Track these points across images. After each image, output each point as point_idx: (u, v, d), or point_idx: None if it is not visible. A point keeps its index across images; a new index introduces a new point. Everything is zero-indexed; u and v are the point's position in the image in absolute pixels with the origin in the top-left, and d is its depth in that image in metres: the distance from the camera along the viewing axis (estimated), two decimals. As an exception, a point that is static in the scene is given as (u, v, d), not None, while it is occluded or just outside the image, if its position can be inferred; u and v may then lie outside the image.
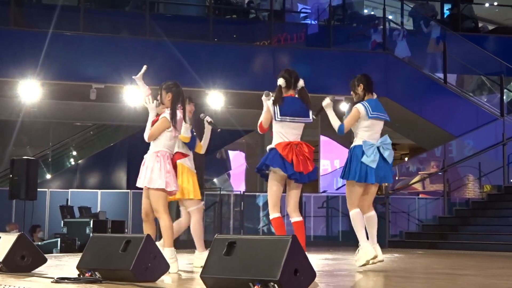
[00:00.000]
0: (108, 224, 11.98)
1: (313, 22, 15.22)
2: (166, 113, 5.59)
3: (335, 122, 6.13)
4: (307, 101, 5.85)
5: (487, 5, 18.77)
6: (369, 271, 6.11)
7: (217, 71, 12.67)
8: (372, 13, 17.21)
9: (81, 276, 4.77)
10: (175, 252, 5.53)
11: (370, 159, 5.99)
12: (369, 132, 6.10)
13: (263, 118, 5.89)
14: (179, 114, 5.61)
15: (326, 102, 6.14)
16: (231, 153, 20.01)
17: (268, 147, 5.84)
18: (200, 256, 6.36)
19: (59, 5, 12.66)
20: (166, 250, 5.45)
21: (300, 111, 5.81)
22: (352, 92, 6.26)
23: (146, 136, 5.59)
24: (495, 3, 19.05)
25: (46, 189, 13.93)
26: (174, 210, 8.07)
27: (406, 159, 18.73)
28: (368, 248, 5.96)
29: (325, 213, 13.84)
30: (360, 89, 6.18)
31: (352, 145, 6.17)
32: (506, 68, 14.28)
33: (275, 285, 3.75)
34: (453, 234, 12.03)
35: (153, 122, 5.61)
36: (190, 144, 6.52)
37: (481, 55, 14.43)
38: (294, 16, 16.08)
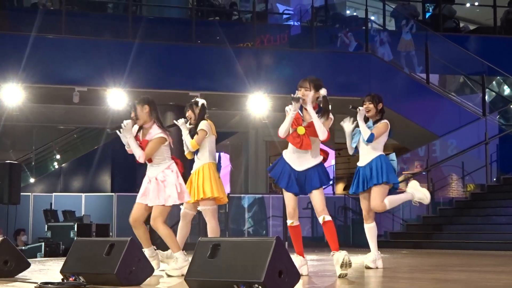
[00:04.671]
0: (92, 227, 11.92)
1: (295, 23, 15.26)
2: (156, 130, 5.56)
3: (366, 131, 6.32)
4: None
5: (468, 5, 18.90)
6: (354, 271, 6.13)
7: (200, 73, 12.66)
8: (355, 14, 17.28)
9: (65, 281, 4.75)
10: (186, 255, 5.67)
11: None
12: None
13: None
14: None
15: (361, 113, 6.33)
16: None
17: (317, 162, 5.59)
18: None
19: (41, 8, 12.60)
20: (178, 254, 5.64)
21: None
22: (370, 105, 6.45)
23: (142, 158, 5.52)
24: (476, 3, 19.18)
25: (30, 193, 13.85)
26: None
27: (390, 159, 18.78)
28: None
29: (310, 214, 13.85)
30: (379, 107, 6.51)
31: (377, 154, 6.42)
32: (488, 68, 14.38)
33: (260, 287, 3.75)
34: (437, 234, 12.09)
35: (141, 142, 5.58)
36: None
37: (463, 55, 14.52)
38: (277, 18, 16.12)
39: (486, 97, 14.53)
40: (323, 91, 5.52)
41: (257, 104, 12.93)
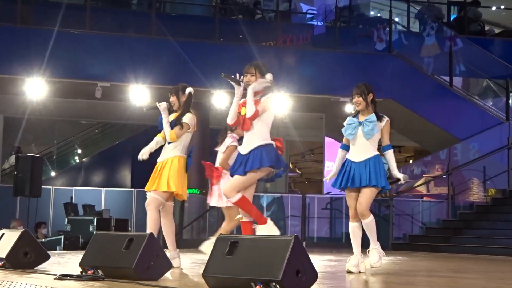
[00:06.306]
0: (111, 222, 11.97)
1: (319, 23, 15.21)
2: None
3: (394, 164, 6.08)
4: None
5: (493, 8, 18.74)
6: (371, 273, 6.11)
7: (222, 71, 12.60)
8: (379, 15, 17.20)
9: (84, 274, 4.78)
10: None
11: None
12: None
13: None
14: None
15: (403, 178, 6.10)
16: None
17: (262, 143, 5.42)
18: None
19: (65, 3, 12.69)
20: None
21: None
22: (359, 98, 5.95)
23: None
24: (502, 7, 19.01)
25: (51, 187, 13.94)
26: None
27: (410, 161, 18.69)
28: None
29: (328, 215, 13.82)
30: (369, 98, 5.97)
31: (375, 153, 5.96)
32: (513, 71, 14.26)
33: (277, 285, 3.75)
34: (456, 238, 12.01)
35: None
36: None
37: (487, 58, 14.40)
38: (300, 17, 16.07)
39: (510, 101, 14.40)
40: (268, 76, 5.55)
41: (278, 103, 12.91)
